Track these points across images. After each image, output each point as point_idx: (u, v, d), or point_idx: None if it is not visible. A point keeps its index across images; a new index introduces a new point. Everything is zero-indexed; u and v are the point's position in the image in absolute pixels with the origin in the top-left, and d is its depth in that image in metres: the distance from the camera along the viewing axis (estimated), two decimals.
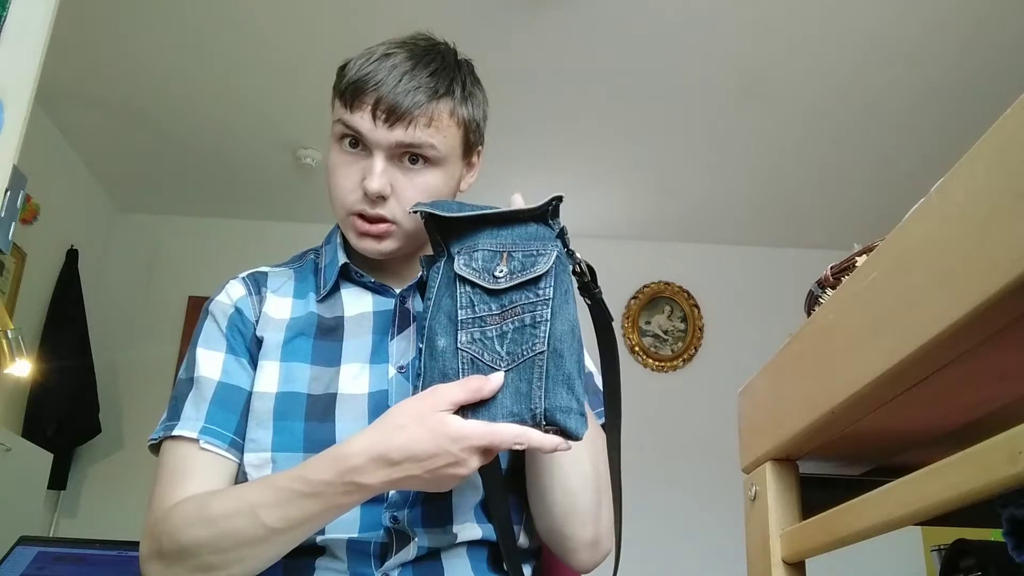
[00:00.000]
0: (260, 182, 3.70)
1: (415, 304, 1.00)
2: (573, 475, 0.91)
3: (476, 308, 0.81)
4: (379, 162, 0.94)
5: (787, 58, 2.82)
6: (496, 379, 0.78)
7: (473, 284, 0.82)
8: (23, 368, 2.68)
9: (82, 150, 3.49)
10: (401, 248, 0.99)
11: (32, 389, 3.24)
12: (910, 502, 0.51)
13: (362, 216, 0.96)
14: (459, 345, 0.80)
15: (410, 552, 0.88)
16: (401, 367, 0.95)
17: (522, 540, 0.97)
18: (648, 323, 3.99)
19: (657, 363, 3.92)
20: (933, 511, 0.49)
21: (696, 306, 4.00)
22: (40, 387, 3.23)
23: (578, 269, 0.84)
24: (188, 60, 2.93)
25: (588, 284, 0.86)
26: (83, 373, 3.42)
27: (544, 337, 0.78)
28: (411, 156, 0.95)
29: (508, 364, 0.79)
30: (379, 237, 0.97)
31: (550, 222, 0.84)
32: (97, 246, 3.75)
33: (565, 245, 0.84)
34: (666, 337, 3.97)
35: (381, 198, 0.94)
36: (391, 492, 0.88)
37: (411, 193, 0.94)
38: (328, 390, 0.93)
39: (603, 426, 0.94)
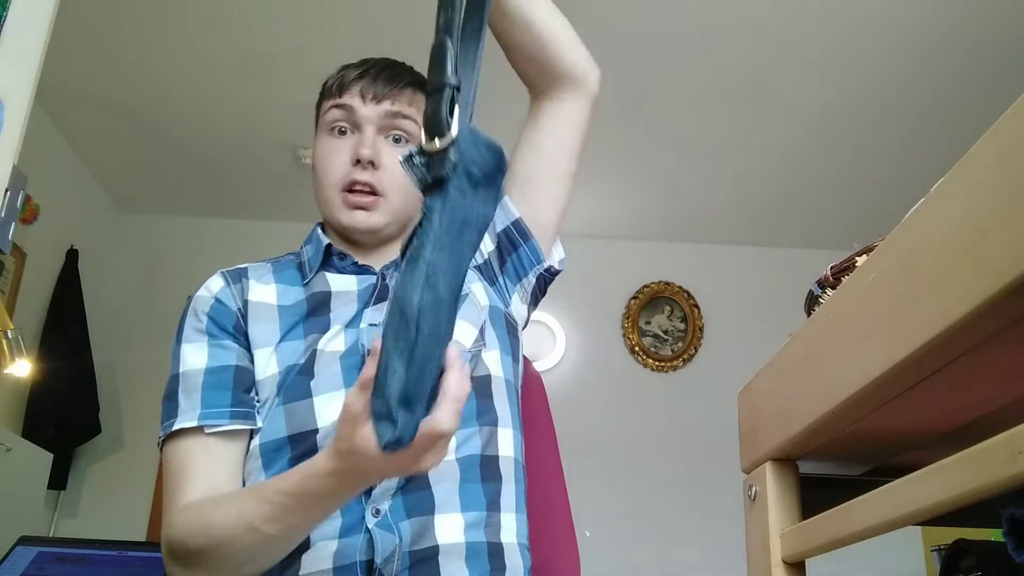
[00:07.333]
0: (260, 182, 3.70)
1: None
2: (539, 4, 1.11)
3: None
4: (369, 135, 1.03)
5: (787, 59, 2.82)
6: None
7: None
8: (23, 368, 2.68)
9: (82, 150, 3.49)
10: (389, 224, 1.04)
11: (32, 389, 3.23)
12: (910, 502, 0.51)
13: (351, 189, 1.02)
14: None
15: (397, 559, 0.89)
16: (373, 324, 0.99)
17: (514, 537, 0.97)
18: (648, 323, 3.98)
19: (657, 363, 3.91)
20: (933, 511, 0.49)
21: (696, 306, 3.99)
22: (40, 387, 3.22)
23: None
24: (188, 60, 2.93)
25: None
26: (83, 373, 3.41)
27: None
28: (395, 136, 1.04)
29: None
30: (368, 209, 1.02)
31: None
32: (97, 246, 3.74)
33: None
34: (666, 337, 3.97)
35: (371, 164, 1.02)
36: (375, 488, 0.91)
37: (398, 167, 0.98)
38: (311, 348, 0.98)
39: None
